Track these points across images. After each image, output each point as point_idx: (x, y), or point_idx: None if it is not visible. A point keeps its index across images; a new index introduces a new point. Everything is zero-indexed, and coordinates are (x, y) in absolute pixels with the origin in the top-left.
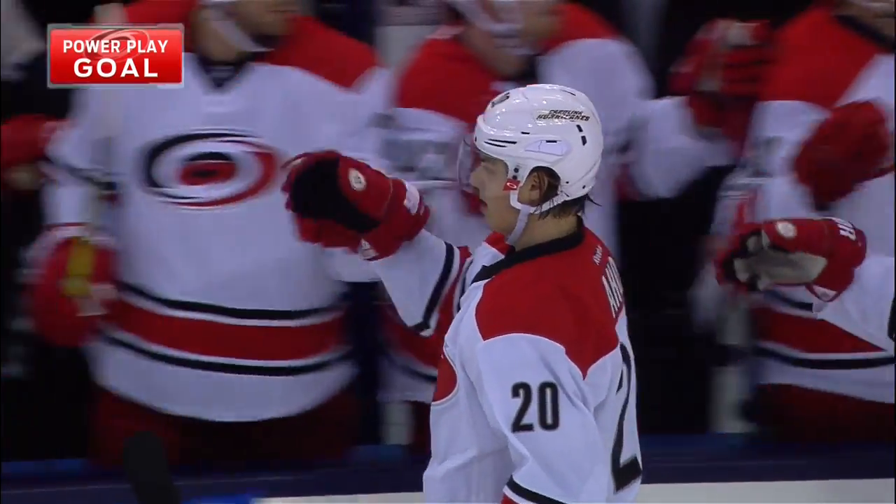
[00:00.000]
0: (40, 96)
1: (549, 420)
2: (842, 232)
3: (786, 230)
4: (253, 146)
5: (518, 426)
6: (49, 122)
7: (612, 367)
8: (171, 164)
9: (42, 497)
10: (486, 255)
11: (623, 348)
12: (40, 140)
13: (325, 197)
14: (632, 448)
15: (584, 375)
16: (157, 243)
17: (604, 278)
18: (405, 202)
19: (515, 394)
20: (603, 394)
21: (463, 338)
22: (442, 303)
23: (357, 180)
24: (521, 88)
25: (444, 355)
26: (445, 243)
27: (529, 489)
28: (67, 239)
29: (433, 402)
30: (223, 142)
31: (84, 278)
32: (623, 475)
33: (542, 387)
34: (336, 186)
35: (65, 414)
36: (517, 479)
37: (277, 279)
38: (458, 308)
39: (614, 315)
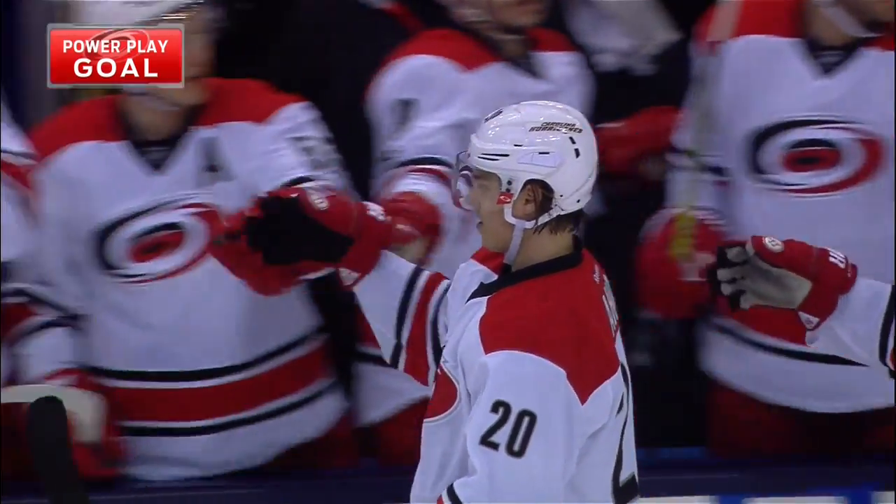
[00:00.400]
0: (673, 88)
1: (517, 447)
2: (831, 259)
3: (773, 244)
4: (858, 133)
5: (484, 440)
6: (676, 112)
7: (613, 391)
8: (776, 150)
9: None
10: (476, 272)
11: (623, 369)
12: (669, 131)
13: (291, 227)
14: (630, 467)
15: (584, 401)
16: (760, 230)
17: (603, 297)
18: (370, 212)
19: (495, 409)
20: (604, 418)
21: (463, 348)
22: (412, 320)
23: (320, 201)
24: (515, 104)
25: (442, 371)
26: (414, 265)
27: (465, 502)
28: (673, 215)
29: (426, 419)
30: (828, 128)
31: (687, 245)
32: (622, 495)
33: (522, 413)
34: (301, 212)
35: (683, 402)
36: (457, 489)
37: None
38: (434, 325)
39: (614, 334)
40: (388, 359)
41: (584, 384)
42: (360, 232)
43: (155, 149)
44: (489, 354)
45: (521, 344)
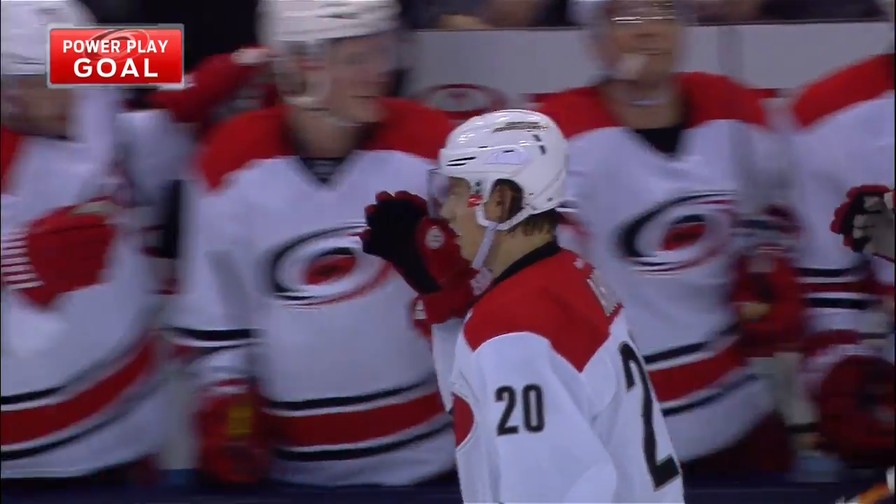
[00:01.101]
0: None
1: (535, 422)
2: None
3: None
4: None
5: (503, 429)
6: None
7: (610, 360)
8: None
9: None
10: None
11: (627, 347)
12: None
13: (397, 239)
14: (666, 449)
15: (581, 369)
16: None
17: (590, 281)
18: (473, 281)
19: (499, 397)
20: (611, 387)
21: (459, 360)
22: None
23: (435, 238)
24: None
25: (454, 395)
26: None
27: None
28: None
29: (457, 448)
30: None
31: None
32: (661, 473)
33: (526, 389)
34: (411, 235)
35: None
36: (502, 499)
37: None
38: None
39: (608, 314)
40: (448, 409)
41: (575, 352)
42: (451, 288)
43: None
44: (476, 351)
45: (500, 328)
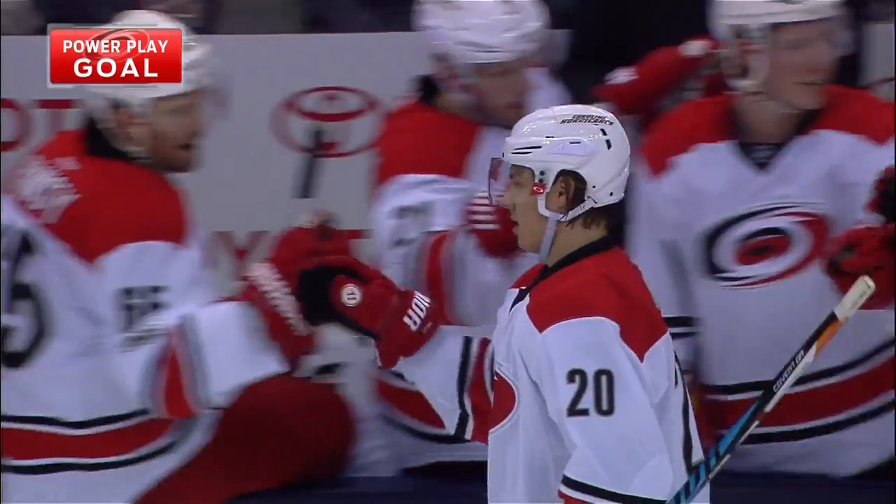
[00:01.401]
0: None
1: (605, 406)
2: None
3: None
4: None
5: (573, 411)
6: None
7: (666, 353)
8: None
9: None
10: (513, 293)
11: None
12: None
13: (318, 306)
14: (699, 452)
15: (642, 359)
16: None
17: (643, 279)
18: (405, 318)
19: (571, 379)
20: (663, 382)
21: (517, 342)
22: (470, 385)
23: (350, 296)
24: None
25: (499, 376)
26: (463, 337)
27: (579, 480)
28: None
29: (492, 430)
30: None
31: None
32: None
33: (598, 373)
34: (327, 299)
35: None
36: (567, 472)
37: None
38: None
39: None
40: (452, 430)
41: (637, 342)
42: (387, 333)
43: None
44: (544, 333)
45: (571, 312)
